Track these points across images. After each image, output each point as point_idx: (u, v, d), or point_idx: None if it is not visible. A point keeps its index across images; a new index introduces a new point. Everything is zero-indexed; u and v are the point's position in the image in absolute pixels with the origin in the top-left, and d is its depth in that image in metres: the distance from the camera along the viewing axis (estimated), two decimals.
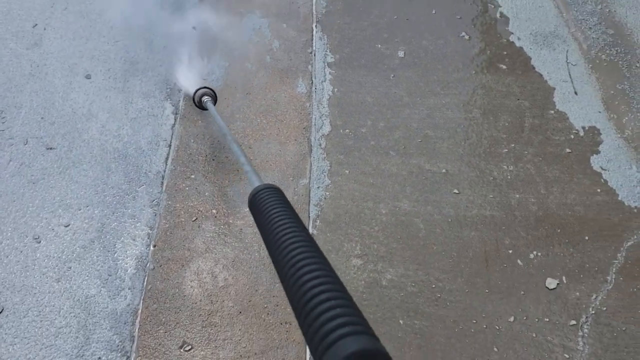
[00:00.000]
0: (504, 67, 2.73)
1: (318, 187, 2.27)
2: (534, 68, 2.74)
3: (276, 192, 0.98)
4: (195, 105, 2.40)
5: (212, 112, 2.20)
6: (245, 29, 2.84)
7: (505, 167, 2.37)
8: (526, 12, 2.97)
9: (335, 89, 2.62)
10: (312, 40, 2.82)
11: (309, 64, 2.72)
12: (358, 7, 2.95)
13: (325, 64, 2.72)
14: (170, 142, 2.39)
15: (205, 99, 2.32)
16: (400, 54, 2.76)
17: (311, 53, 2.76)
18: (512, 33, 2.88)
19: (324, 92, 2.61)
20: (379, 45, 2.80)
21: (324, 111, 2.54)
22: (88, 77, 2.59)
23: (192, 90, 2.40)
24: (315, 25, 2.87)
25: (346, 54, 2.77)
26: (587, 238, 2.15)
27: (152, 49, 2.73)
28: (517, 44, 2.84)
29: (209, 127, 2.46)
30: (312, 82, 2.65)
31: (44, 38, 2.71)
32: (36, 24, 2.76)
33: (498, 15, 2.96)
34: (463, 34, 2.86)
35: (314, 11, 2.93)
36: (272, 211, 0.89)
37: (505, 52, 2.80)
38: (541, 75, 2.71)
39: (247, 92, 2.59)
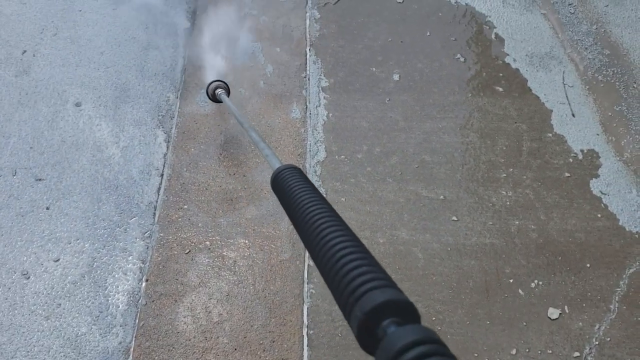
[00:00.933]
0: (501, 89, 2.74)
1: None
2: (530, 90, 2.75)
3: (298, 171, 1.02)
4: (209, 98, 2.45)
5: (227, 104, 2.22)
6: (238, 53, 2.84)
7: (504, 192, 2.36)
8: (521, 33, 2.99)
9: (330, 114, 2.62)
10: (306, 64, 2.82)
11: (303, 88, 2.72)
12: (352, 30, 2.96)
13: (320, 88, 2.71)
14: (163, 171, 2.38)
15: (219, 91, 2.36)
16: (395, 77, 2.77)
17: (305, 77, 2.76)
18: (508, 54, 2.89)
19: (319, 117, 2.61)
20: (374, 69, 2.80)
21: (319, 137, 2.53)
22: (78, 104, 2.57)
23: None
24: (309, 49, 2.87)
25: (340, 77, 2.77)
26: (588, 265, 2.14)
27: (144, 75, 2.71)
28: (513, 65, 2.85)
29: (201, 154, 2.44)
30: (306, 107, 2.64)
31: (33, 65, 2.70)
32: (25, 51, 2.75)
33: (493, 36, 2.97)
34: (458, 56, 2.87)
35: (307, 35, 2.94)
36: (295, 187, 0.93)
37: (501, 74, 2.81)
38: (538, 97, 2.72)
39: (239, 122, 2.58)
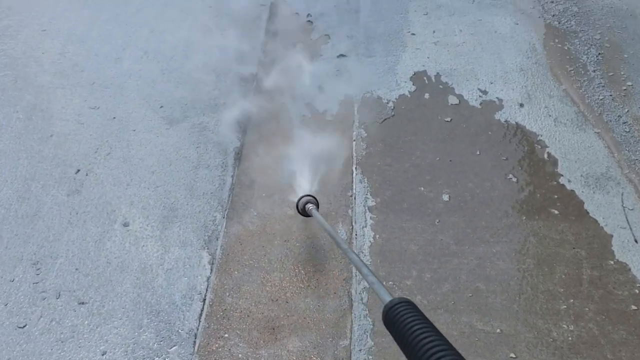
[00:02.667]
0: (556, 212, 2.68)
1: (360, 350, 2.18)
2: (588, 213, 2.68)
3: (413, 307, 0.98)
4: (299, 212, 2.53)
5: (318, 219, 2.26)
6: (283, 171, 2.91)
7: (565, 326, 2.23)
8: (575, 152, 2.97)
9: (377, 235, 2.60)
10: (352, 182, 2.85)
11: (349, 208, 2.73)
12: (399, 149, 3.01)
13: (366, 208, 2.72)
14: (205, 296, 2.37)
15: (309, 206, 2.43)
16: (445, 197, 2.76)
17: (351, 196, 2.79)
18: (562, 175, 2.86)
19: (365, 238, 2.59)
20: (422, 188, 2.81)
21: (366, 260, 2.50)
22: (126, 224, 2.65)
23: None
24: (355, 168, 2.92)
25: (387, 197, 2.78)
26: None
27: (193, 194, 2.80)
28: (568, 186, 2.80)
29: (245, 278, 2.44)
30: (352, 228, 2.64)
31: (85, 184, 2.83)
32: (79, 170, 2.90)
33: (545, 156, 2.96)
34: (510, 176, 2.86)
35: (354, 153, 3.00)
36: (415, 326, 0.89)
37: (556, 196, 2.76)
38: (596, 221, 2.64)
39: (285, 240, 2.59)
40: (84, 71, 3.51)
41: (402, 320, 0.93)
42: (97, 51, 3.66)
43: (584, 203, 2.73)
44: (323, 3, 4.10)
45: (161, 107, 3.26)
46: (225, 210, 2.75)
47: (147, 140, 3.07)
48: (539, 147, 3.02)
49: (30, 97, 3.30)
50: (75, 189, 2.82)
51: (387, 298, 1.08)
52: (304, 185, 2.80)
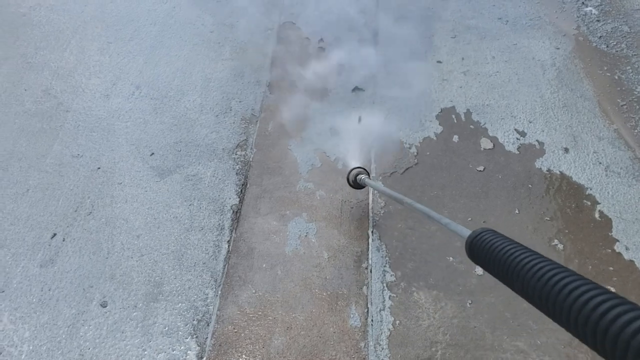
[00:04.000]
0: (612, 288, 2.24)
1: None
2: None
3: (495, 233, 1.00)
4: (351, 185, 2.51)
5: (373, 186, 2.27)
6: (289, 236, 2.52)
7: None
8: (632, 210, 2.52)
9: (397, 321, 2.20)
10: (368, 250, 2.46)
11: (364, 284, 2.34)
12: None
13: (384, 285, 2.33)
14: None
15: (361, 177, 2.42)
16: (479, 270, 2.34)
17: (367, 269, 2.39)
18: (618, 240, 2.42)
19: (383, 325, 2.20)
20: (451, 258, 2.40)
21: (383, 355, 2.11)
22: (104, 304, 2.30)
23: None
24: (372, 231, 2.52)
25: (409, 270, 2.37)
26: None
27: (182, 265, 2.43)
28: (626, 255, 2.37)
29: None
30: (367, 311, 2.25)
31: (61, 252, 2.49)
32: (55, 234, 2.56)
33: (597, 215, 2.52)
34: (555, 242, 2.43)
35: (370, 212, 2.60)
36: (505, 246, 0.91)
37: (611, 268, 2.33)
38: None
39: (287, 327, 2.21)
40: (69, 111, 3.16)
41: (489, 246, 0.94)
42: (84, 87, 3.31)
43: None
44: (337, 26, 3.69)
45: (152, 154, 2.90)
46: (219, 285, 2.38)
47: (134, 196, 2.71)
48: (589, 203, 2.58)
49: (8, 144, 2.96)
50: (50, 258, 2.48)
51: (467, 232, 1.10)
52: (312, 254, 2.42)
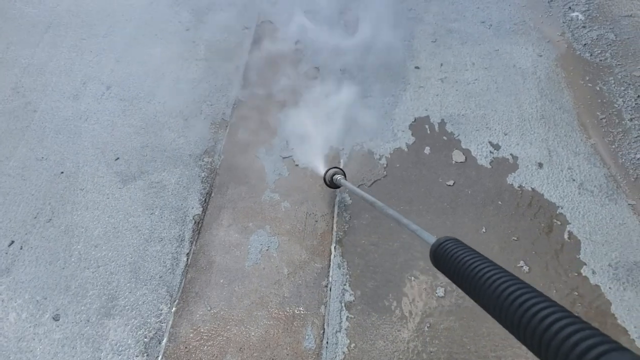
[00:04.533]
0: (576, 312, 2.18)
1: None
2: (615, 317, 2.19)
3: (458, 242, 1.08)
4: (327, 185, 2.53)
5: (348, 187, 2.27)
6: (250, 250, 2.47)
7: None
8: (602, 232, 2.46)
9: (352, 344, 2.16)
10: (329, 267, 2.40)
11: (322, 303, 2.29)
12: (388, 223, 2.54)
13: (342, 304, 2.28)
14: None
15: (337, 177, 2.46)
16: (440, 291, 2.29)
17: (326, 287, 2.34)
18: (585, 264, 2.36)
19: (338, 348, 2.15)
20: (413, 279, 2.34)
21: None
22: (56, 318, 2.27)
23: None
24: (335, 247, 2.47)
25: (370, 289, 2.32)
26: None
27: (138, 278, 2.39)
28: (592, 280, 2.31)
29: None
30: (323, 332, 2.20)
31: (17, 261, 2.45)
32: (13, 242, 2.52)
33: (566, 236, 2.46)
34: (521, 263, 2.37)
35: (334, 227, 2.54)
36: (465, 257, 0.98)
37: (576, 293, 2.27)
38: (626, 330, 2.15)
39: (240, 347, 2.17)
40: (37, 111, 3.10)
41: (451, 255, 1.01)
42: (54, 86, 3.24)
43: (610, 304, 2.24)
44: (316, 28, 3.60)
45: (117, 159, 2.84)
46: (174, 301, 2.34)
47: (95, 203, 2.66)
48: (559, 223, 2.52)
49: None
50: (6, 268, 2.43)
51: (432, 240, 1.18)
52: (272, 269, 2.37)
